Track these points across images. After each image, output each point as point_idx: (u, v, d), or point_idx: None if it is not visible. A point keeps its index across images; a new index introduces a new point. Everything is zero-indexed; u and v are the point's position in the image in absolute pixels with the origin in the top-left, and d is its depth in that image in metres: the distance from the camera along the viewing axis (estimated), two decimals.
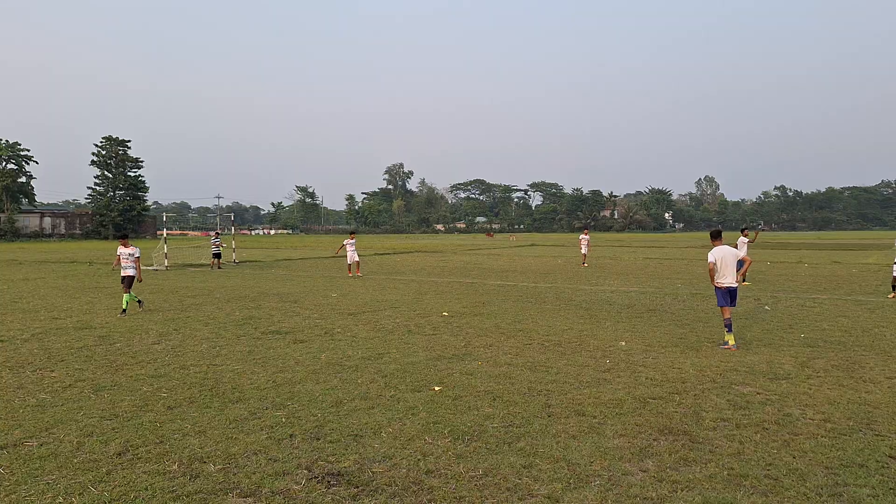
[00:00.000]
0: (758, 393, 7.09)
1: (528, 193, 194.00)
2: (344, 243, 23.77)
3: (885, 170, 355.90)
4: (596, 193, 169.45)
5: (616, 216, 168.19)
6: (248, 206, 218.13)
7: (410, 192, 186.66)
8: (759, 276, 22.20)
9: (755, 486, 4.63)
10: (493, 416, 6.29)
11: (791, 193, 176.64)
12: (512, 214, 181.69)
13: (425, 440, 5.61)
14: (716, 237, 10.35)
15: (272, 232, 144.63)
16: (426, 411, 6.44)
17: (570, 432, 5.79)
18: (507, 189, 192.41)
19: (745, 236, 20.19)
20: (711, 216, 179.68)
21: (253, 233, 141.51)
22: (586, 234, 30.63)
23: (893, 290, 16.49)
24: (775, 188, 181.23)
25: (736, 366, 8.42)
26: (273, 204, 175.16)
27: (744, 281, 19.95)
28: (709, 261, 10.06)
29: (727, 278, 9.95)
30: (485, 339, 10.38)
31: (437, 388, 7.30)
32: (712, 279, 10.06)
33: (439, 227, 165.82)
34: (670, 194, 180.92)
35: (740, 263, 10.41)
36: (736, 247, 19.85)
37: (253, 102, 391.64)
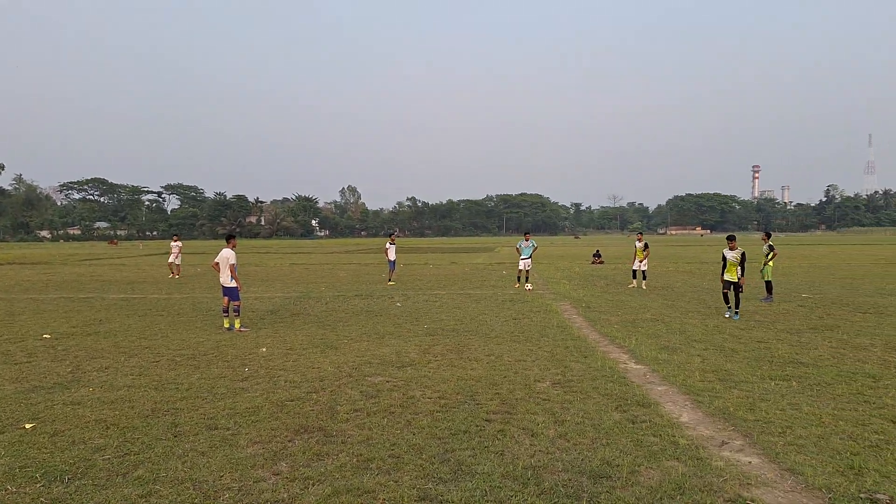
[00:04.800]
0: (387, 381, 7.68)
1: (163, 196, 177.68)
2: None
3: (490, 186, 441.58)
4: (241, 199, 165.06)
5: (263, 222, 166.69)
6: None
7: (2, 190, 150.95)
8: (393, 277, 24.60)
9: (380, 467, 4.93)
10: (106, 446, 5.36)
11: (420, 204, 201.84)
12: (143, 219, 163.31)
13: (6, 490, 4.43)
14: (228, 239, 12.55)
15: None
16: (10, 455, 5.13)
17: (199, 449, 5.29)
18: (136, 190, 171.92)
19: (392, 243, 22.27)
20: (355, 223, 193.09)
21: None
22: (176, 241, 27.15)
23: (518, 280, 20.45)
24: (407, 199, 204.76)
25: (370, 359, 9.01)
26: None
27: (389, 281, 21.97)
28: (214, 260, 12.18)
29: (222, 276, 12.10)
30: (99, 362, 8.88)
31: (28, 426, 5.89)
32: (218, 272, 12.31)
33: (44, 233, 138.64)
34: (316, 202, 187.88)
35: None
36: (386, 251, 22.00)
37: None
